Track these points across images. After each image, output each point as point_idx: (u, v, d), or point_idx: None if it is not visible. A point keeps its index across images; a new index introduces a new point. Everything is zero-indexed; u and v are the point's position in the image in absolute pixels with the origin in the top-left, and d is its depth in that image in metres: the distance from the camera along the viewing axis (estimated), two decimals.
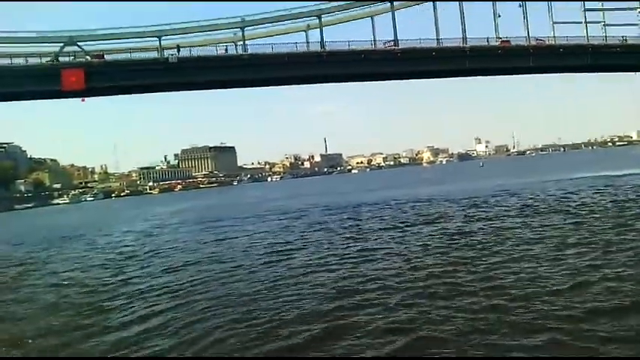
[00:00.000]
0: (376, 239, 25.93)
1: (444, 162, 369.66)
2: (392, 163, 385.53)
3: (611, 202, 33.04)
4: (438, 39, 53.55)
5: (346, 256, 21.37)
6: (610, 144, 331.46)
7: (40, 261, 30.32)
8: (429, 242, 23.20)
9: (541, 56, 56.16)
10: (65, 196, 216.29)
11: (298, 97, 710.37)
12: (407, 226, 30.49)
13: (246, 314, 13.50)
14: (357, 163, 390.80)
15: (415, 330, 11.29)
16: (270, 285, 16.81)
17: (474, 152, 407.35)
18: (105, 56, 46.30)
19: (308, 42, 51.24)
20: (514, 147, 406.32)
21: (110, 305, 16.18)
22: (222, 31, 50.34)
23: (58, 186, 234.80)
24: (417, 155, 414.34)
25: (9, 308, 17.37)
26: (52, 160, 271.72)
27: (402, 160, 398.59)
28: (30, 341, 13.07)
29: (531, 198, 41.01)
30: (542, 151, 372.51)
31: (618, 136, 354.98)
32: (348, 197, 66.63)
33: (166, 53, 46.71)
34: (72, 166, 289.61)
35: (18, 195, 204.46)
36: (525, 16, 55.85)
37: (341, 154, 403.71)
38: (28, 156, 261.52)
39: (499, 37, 55.82)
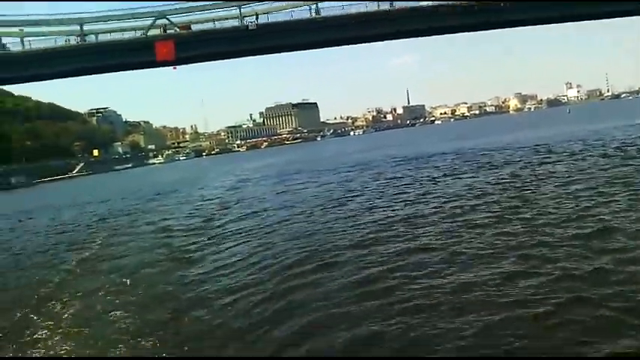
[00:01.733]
0: (428, 186, 28.60)
1: (532, 109, 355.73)
2: (477, 112, 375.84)
3: None
4: None
5: (394, 200, 24.52)
6: None
7: (146, 212, 34.98)
8: (471, 188, 25.36)
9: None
10: (160, 156, 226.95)
11: (378, 50, 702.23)
12: (462, 173, 32.90)
13: (300, 244, 17.02)
14: (441, 113, 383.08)
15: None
16: (323, 224, 20.33)
17: (565, 98, 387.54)
18: (191, 27, 50.83)
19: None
20: (608, 90, 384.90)
21: (199, 244, 19.83)
22: None
23: (152, 147, 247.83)
24: (503, 103, 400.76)
25: (118, 247, 21.49)
26: (145, 122, 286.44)
27: (487, 109, 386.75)
28: (131, 272, 16.32)
29: (590, 144, 41.64)
30: (638, 94, 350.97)
31: None
32: (422, 148, 68.41)
33: (246, 21, 50.59)
34: (164, 127, 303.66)
35: (117, 157, 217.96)
36: None
37: (424, 105, 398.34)
38: (124, 120, 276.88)
39: None
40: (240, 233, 20.99)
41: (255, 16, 50.65)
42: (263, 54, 59.15)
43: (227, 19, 51.90)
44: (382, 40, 59.84)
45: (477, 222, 16.94)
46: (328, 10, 52.13)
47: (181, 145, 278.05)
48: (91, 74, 53.44)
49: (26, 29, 50.90)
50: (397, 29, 53.32)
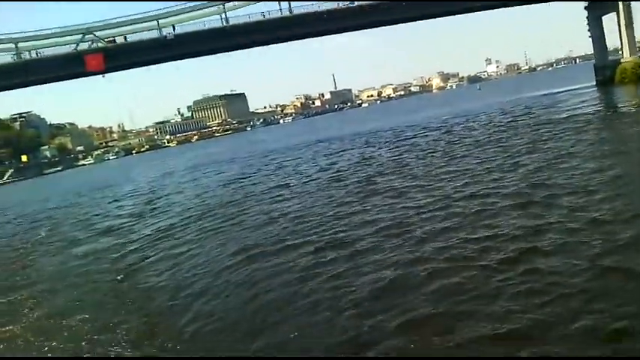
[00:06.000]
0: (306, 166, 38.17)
1: (454, 86, 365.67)
2: (402, 93, 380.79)
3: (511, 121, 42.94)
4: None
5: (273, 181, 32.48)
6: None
7: (89, 204, 41.20)
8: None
9: None
10: (89, 157, 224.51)
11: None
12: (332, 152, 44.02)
13: (194, 217, 24.24)
14: (368, 96, 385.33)
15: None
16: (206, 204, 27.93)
17: (485, 73, 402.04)
18: (116, 40, 57.03)
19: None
20: (526, 64, 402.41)
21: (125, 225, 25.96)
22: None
23: (80, 148, 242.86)
24: (427, 82, 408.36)
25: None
26: (70, 124, 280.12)
27: (412, 89, 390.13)
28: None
29: (467, 120, 52.07)
30: (554, 65, 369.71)
31: None
32: (333, 132, 78.44)
33: (164, 31, 57.35)
34: (90, 127, 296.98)
35: (45, 160, 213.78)
36: None
37: (350, 90, 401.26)
38: (48, 123, 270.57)
39: None
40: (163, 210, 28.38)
41: (172, 28, 57.37)
42: (182, 59, 65.37)
43: (149, 30, 58.20)
44: (283, 42, 67.82)
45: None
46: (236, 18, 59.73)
47: (110, 144, 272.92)
48: (25, 87, 58.90)
49: None
50: (293, 33, 61.85)
